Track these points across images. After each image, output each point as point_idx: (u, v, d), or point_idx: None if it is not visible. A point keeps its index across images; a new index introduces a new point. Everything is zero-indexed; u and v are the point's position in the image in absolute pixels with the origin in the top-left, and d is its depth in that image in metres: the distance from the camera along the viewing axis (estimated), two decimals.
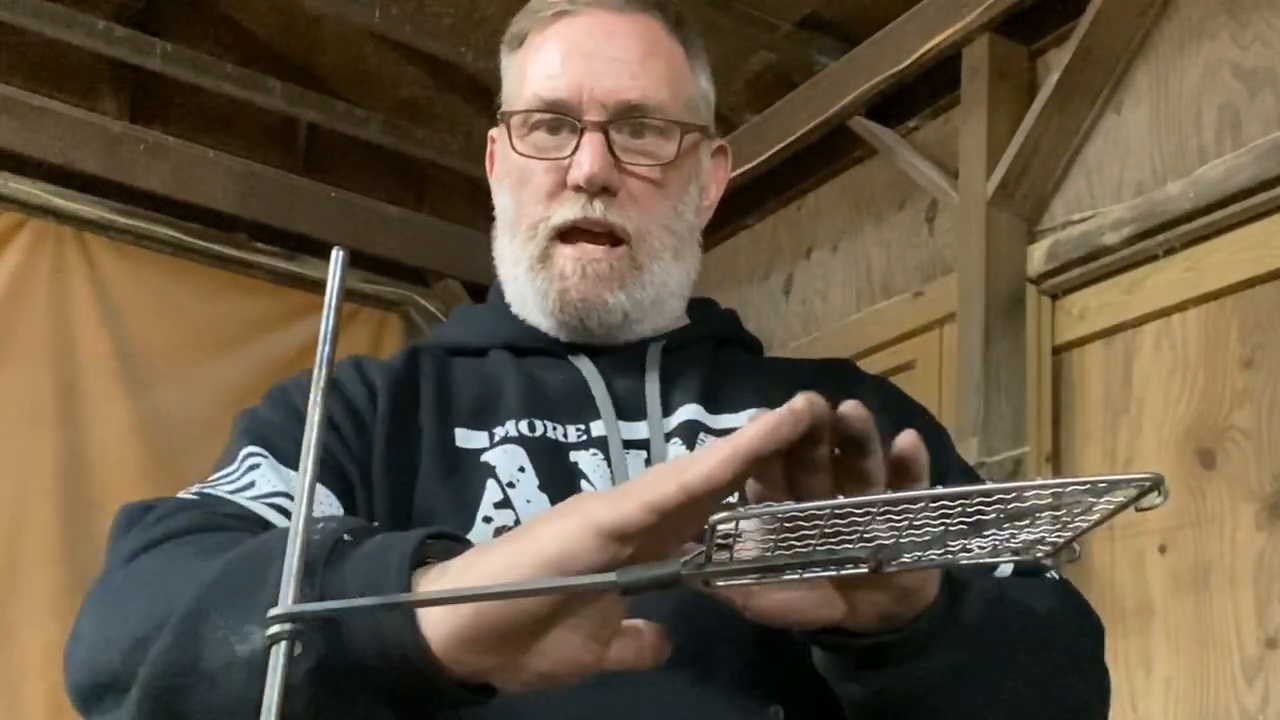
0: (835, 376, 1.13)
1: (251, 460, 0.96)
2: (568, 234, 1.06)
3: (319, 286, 3.34)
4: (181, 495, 0.93)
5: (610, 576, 0.68)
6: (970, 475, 1.10)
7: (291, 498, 0.91)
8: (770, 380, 1.10)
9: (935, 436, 1.04)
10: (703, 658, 0.90)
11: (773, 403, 1.03)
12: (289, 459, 0.95)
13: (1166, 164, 2.23)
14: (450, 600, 0.68)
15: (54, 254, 3.10)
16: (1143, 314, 2.23)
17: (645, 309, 1.08)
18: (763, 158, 2.89)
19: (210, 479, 0.95)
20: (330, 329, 0.70)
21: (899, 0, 2.62)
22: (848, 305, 2.86)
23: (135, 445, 3.09)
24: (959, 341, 2.41)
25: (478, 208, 3.70)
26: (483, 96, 3.40)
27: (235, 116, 3.42)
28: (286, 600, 0.67)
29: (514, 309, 1.12)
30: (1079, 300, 2.36)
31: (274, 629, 0.66)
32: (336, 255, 0.71)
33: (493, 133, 1.17)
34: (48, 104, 3.09)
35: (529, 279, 1.08)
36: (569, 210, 1.05)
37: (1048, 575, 0.99)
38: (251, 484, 0.93)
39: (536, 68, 1.09)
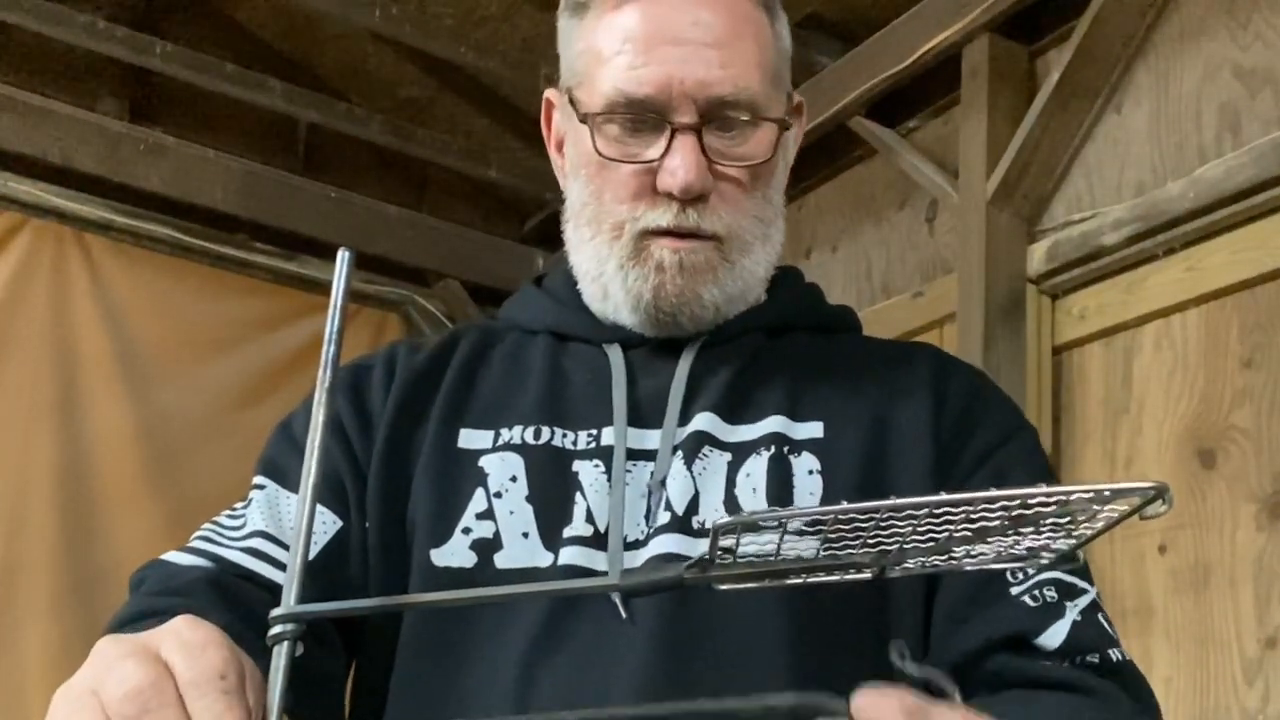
0: (905, 367, 1.06)
1: (253, 493, 1.03)
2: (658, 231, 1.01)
3: (319, 286, 3.35)
4: (190, 543, 1.00)
5: (612, 578, 0.68)
6: (1038, 477, 0.93)
7: (267, 536, 0.99)
8: (818, 377, 1.04)
9: (1004, 439, 1.02)
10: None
11: (799, 410, 1.01)
12: (293, 481, 1.01)
13: (1166, 164, 2.23)
14: (451, 601, 0.68)
15: (54, 254, 3.10)
16: (1143, 314, 2.23)
17: (734, 301, 1.04)
18: None
19: (225, 512, 1.03)
20: (335, 329, 0.70)
21: (899, 0, 2.61)
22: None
23: (135, 445, 3.09)
24: (959, 342, 2.40)
25: (477, 208, 3.70)
26: (483, 96, 3.40)
27: (235, 116, 3.42)
28: (288, 600, 0.67)
29: (591, 303, 1.07)
30: (1079, 300, 2.35)
31: (275, 629, 0.66)
32: (342, 256, 0.71)
33: (550, 95, 1.10)
34: (48, 104, 3.09)
35: (618, 277, 1.02)
36: (660, 216, 0.99)
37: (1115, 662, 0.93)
38: (243, 524, 1.01)
39: (615, 51, 0.99)
